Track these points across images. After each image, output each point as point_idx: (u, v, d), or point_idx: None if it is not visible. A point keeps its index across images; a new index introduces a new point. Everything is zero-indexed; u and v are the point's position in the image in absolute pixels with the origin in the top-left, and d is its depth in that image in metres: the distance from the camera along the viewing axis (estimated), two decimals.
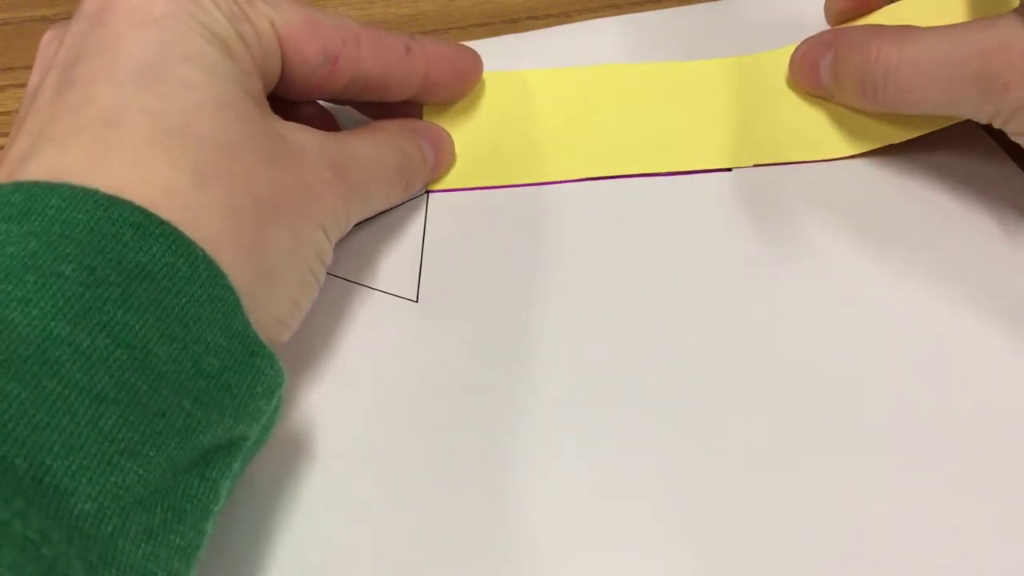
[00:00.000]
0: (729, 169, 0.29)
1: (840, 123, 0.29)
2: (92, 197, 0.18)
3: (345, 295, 0.27)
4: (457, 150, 0.29)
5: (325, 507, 0.22)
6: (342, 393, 0.25)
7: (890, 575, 0.21)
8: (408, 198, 0.29)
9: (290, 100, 0.26)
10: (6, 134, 0.33)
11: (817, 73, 0.28)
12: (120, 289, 0.17)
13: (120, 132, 0.19)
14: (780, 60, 0.30)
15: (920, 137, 0.28)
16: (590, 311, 0.26)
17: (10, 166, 0.20)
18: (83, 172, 0.19)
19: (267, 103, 0.23)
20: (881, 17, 0.29)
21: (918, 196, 0.28)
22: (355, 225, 0.26)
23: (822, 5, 0.31)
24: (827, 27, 0.31)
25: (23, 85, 0.34)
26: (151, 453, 0.17)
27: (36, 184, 0.18)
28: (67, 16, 0.24)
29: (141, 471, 0.17)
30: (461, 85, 0.29)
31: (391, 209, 0.28)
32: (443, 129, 0.29)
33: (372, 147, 0.26)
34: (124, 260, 0.18)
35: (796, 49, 0.29)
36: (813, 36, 0.29)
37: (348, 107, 0.30)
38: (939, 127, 0.27)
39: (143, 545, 0.17)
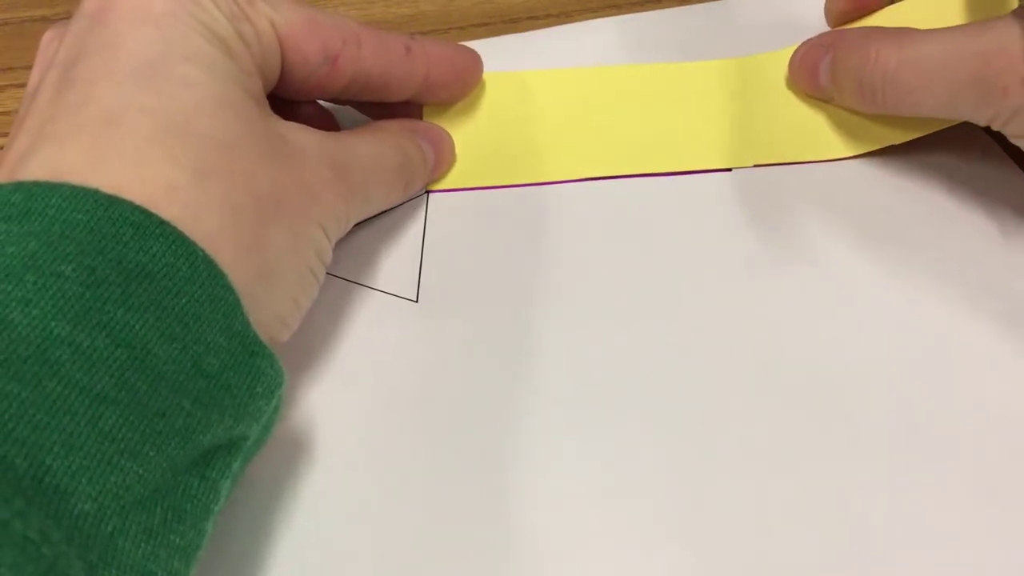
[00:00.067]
0: (729, 169, 0.29)
1: (840, 124, 0.29)
2: (92, 197, 0.18)
3: (345, 295, 0.27)
4: (457, 150, 0.29)
5: (325, 507, 0.22)
6: (342, 393, 0.25)
7: (890, 575, 0.21)
8: (408, 198, 0.29)
9: (290, 100, 0.26)
10: (6, 134, 0.33)
11: (816, 75, 0.28)
12: (120, 289, 0.17)
13: (120, 131, 0.19)
14: (780, 61, 0.30)
15: (919, 138, 0.28)
16: (590, 311, 0.26)
17: (10, 165, 0.20)
18: (83, 171, 0.19)
19: (267, 103, 0.23)
20: (881, 19, 0.29)
21: (917, 197, 0.28)
22: (355, 225, 0.26)
23: (822, 6, 0.31)
24: (827, 28, 0.31)
25: (23, 85, 0.34)
26: (151, 453, 0.17)
27: (36, 184, 0.18)
28: (67, 16, 0.24)
29: (141, 471, 0.17)
30: (461, 85, 0.29)
31: (391, 209, 0.28)
32: (443, 129, 0.29)
33: (372, 147, 0.26)
34: (124, 260, 0.18)
35: (795, 51, 0.29)
36: (812, 38, 0.29)
37: (348, 107, 0.30)
38: (938, 128, 0.28)
39: (143, 545, 0.17)
